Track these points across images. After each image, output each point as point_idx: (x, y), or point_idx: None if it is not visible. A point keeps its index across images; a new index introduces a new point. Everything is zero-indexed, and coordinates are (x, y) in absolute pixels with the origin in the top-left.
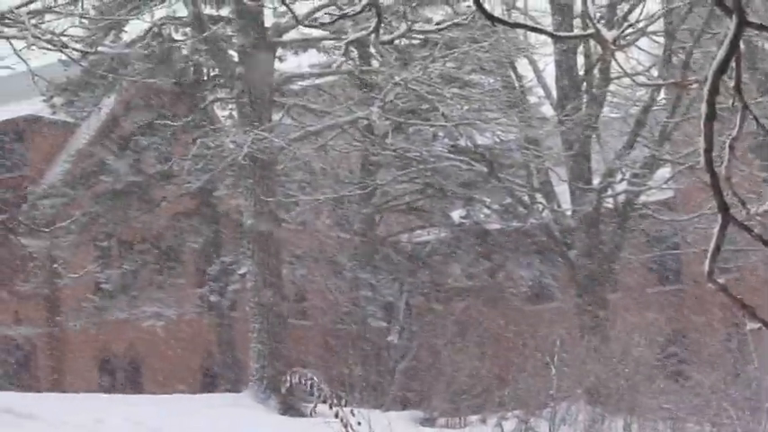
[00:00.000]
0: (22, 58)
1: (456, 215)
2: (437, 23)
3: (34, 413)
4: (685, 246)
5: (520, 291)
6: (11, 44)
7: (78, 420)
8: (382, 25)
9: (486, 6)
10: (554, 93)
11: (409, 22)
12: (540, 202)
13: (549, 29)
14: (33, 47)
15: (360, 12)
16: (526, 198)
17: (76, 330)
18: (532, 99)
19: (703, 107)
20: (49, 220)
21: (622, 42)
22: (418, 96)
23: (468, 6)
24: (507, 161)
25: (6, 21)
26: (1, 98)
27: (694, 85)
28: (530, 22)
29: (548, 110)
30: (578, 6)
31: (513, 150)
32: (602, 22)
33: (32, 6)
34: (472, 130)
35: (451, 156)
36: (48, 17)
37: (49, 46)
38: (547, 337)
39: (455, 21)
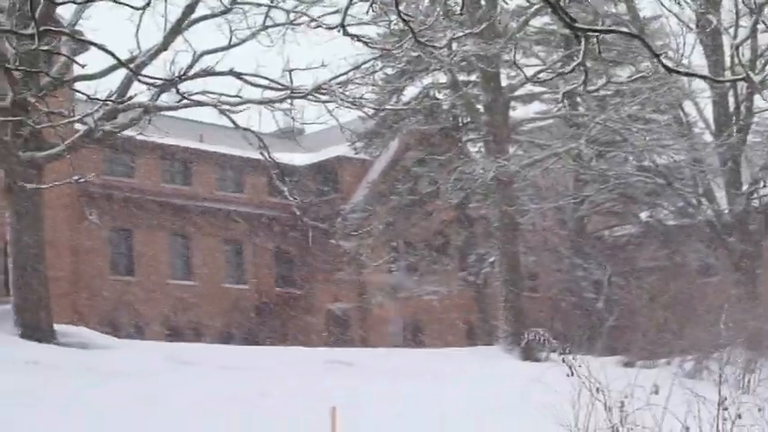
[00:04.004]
0: (333, 116)
1: (643, 216)
2: (627, 77)
3: (354, 362)
4: None
5: (691, 269)
6: (326, 107)
7: (384, 366)
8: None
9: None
10: (712, 124)
11: (606, 78)
12: (705, 204)
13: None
14: (341, 108)
15: (570, 71)
16: (694, 201)
17: (377, 304)
18: (696, 130)
19: None
20: (356, 227)
21: (766, 83)
22: (613, 131)
23: (647, 65)
24: (679, 175)
25: (322, 90)
26: (320, 144)
27: None
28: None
29: (708, 137)
30: (727, 60)
31: (684, 167)
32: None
33: (339, 79)
34: (653, 154)
35: (638, 173)
36: (350, 86)
37: (352, 107)
38: (714, 302)
39: (639, 75)
